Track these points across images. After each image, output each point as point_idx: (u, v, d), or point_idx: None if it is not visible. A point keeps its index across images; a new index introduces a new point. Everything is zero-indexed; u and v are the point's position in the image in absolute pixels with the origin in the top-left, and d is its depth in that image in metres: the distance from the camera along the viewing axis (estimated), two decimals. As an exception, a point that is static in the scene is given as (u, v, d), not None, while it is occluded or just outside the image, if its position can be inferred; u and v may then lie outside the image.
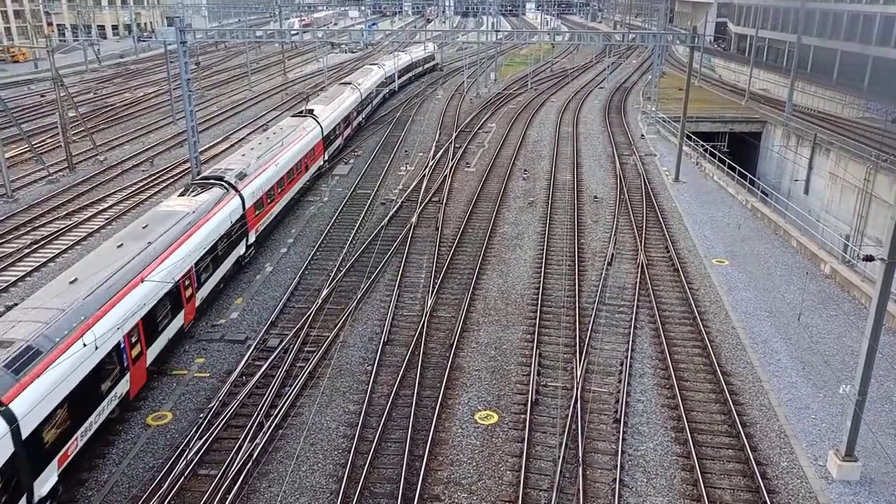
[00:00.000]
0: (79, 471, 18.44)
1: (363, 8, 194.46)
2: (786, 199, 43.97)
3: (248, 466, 18.41)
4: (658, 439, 19.91)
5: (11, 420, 15.29)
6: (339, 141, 49.33)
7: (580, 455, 18.89)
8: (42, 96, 71.53)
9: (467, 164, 48.17)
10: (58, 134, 49.76)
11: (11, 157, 47.83)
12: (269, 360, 23.37)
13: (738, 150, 56.48)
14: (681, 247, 33.60)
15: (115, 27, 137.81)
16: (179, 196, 28.44)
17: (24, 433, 15.58)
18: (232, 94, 75.91)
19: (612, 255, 32.31)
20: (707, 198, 41.35)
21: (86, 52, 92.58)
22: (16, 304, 20.69)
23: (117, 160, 48.78)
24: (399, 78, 76.14)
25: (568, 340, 25.01)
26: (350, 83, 57.42)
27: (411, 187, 42.15)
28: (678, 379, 22.50)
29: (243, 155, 34.54)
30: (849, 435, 18.17)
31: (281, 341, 24.63)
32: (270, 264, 31.76)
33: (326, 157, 45.70)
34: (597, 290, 28.72)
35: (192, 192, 28.66)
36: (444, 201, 39.62)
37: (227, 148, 51.66)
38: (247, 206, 30.43)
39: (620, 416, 20.61)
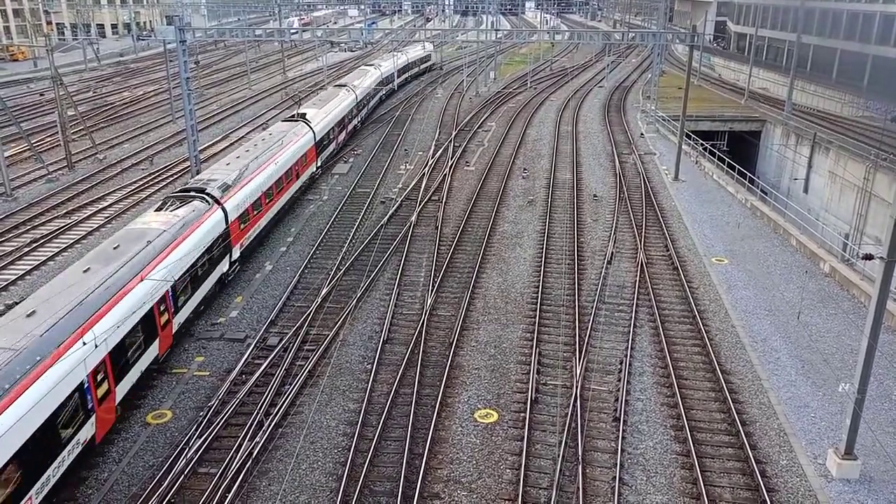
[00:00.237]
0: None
1: (362, 7, 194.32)
2: (785, 198, 43.98)
3: (247, 465, 18.41)
4: (657, 438, 19.93)
5: None
6: (332, 146, 47.69)
7: (580, 453, 18.90)
8: (41, 95, 71.48)
9: (467, 162, 48.16)
10: (57, 133, 49.74)
11: (11, 155, 47.83)
12: (269, 359, 23.37)
13: (738, 149, 56.52)
14: (680, 245, 33.61)
15: (114, 26, 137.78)
16: (156, 211, 26.30)
17: None
18: (231, 92, 75.90)
19: (612, 253, 32.32)
20: (706, 196, 41.36)
21: (85, 50, 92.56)
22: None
23: (117, 159, 48.77)
24: (396, 79, 75.74)
25: (567, 339, 25.02)
26: (345, 85, 55.99)
27: (411, 186, 42.15)
28: (678, 377, 22.51)
29: (228, 164, 32.59)
30: (848, 433, 18.17)
31: (281, 340, 24.63)
32: (270, 263, 31.76)
33: (319, 164, 44.06)
34: (596, 289, 28.72)
35: (170, 206, 26.62)
36: (444, 200, 39.62)
37: (227, 147, 51.65)
38: (230, 220, 28.63)
39: (620, 414, 20.62)
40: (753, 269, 31.10)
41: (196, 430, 19.88)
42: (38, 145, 50.73)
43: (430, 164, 46.93)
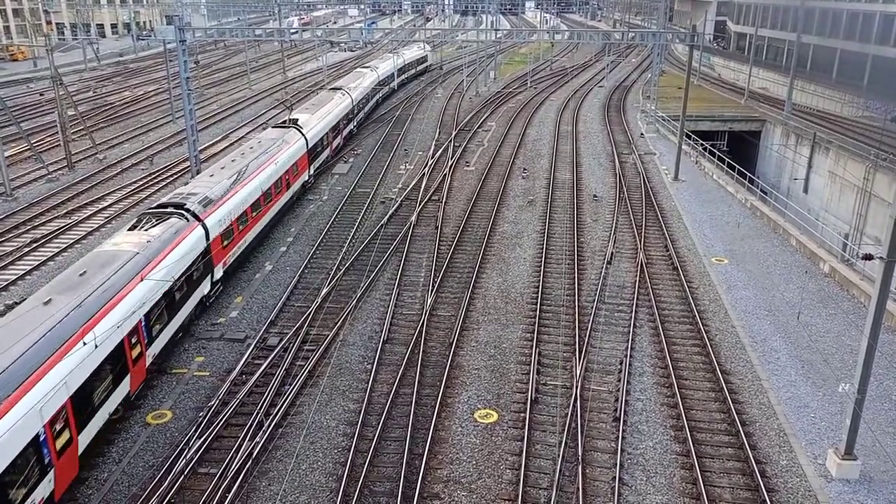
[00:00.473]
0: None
1: (362, 6, 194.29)
2: (785, 198, 43.98)
3: (247, 465, 18.42)
4: (657, 438, 19.93)
5: None
6: (326, 153, 45.83)
7: (580, 453, 18.91)
8: (41, 95, 71.47)
9: (467, 162, 48.16)
10: (57, 133, 49.73)
11: (11, 155, 47.82)
12: (269, 359, 23.38)
13: (738, 149, 56.53)
14: (680, 245, 33.62)
15: (114, 26, 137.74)
16: (129, 230, 24.03)
17: None
18: (231, 92, 75.88)
19: (612, 253, 32.33)
20: (706, 196, 41.37)
21: (85, 50, 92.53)
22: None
23: (116, 159, 48.77)
24: (396, 79, 75.40)
25: (567, 339, 25.03)
26: (340, 88, 53.86)
27: (411, 186, 42.16)
28: (677, 377, 22.52)
29: (212, 175, 30.53)
30: (848, 433, 18.18)
31: (281, 340, 24.64)
32: (270, 263, 31.76)
33: (312, 172, 42.27)
34: (596, 289, 28.73)
35: (145, 224, 24.38)
36: (444, 200, 39.63)
37: (227, 147, 51.66)
38: (212, 238, 26.51)
39: (620, 414, 20.63)
40: (753, 269, 31.11)
41: (196, 430, 19.89)
42: (38, 145, 50.73)
43: (429, 164, 46.93)
